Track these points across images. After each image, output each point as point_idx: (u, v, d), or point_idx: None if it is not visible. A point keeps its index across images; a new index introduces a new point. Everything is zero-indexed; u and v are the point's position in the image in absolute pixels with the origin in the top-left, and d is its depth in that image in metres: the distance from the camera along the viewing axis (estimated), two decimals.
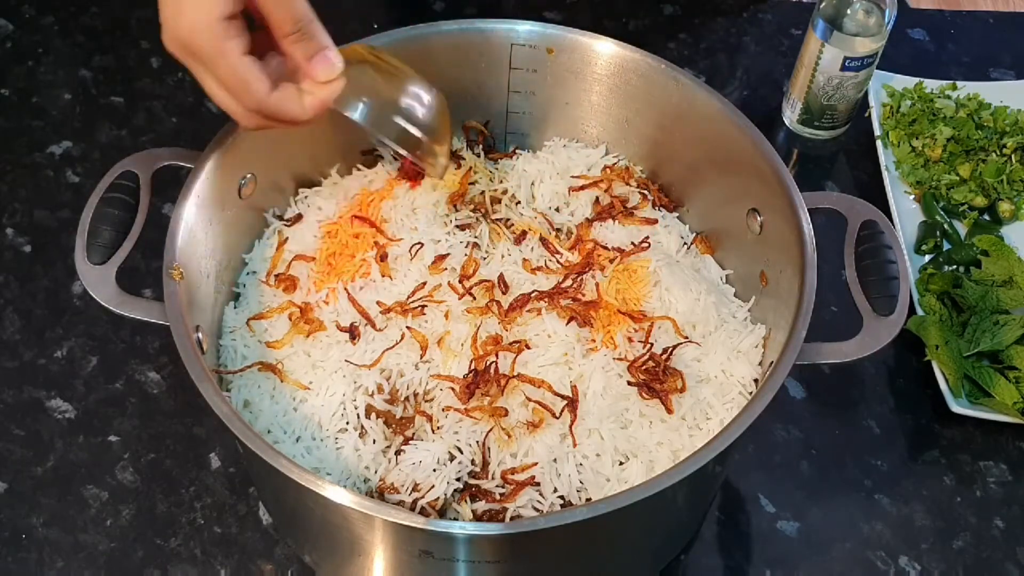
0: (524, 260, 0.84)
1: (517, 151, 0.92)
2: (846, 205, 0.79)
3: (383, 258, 0.83)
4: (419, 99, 0.77)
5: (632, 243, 0.85)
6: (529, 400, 0.75)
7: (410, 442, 0.75)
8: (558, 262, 0.84)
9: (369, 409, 0.77)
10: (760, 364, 0.79)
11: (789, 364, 0.69)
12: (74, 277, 0.97)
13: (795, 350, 0.70)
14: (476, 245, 0.85)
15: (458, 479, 0.73)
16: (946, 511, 0.88)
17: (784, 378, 0.68)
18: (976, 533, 0.87)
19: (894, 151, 1.07)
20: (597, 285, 0.82)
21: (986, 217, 1.04)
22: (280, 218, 0.88)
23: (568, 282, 0.82)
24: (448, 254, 0.83)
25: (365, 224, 0.85)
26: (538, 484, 0.73)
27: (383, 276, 0.82)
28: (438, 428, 0.75)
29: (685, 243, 0.87)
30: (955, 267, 0.99)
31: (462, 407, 0.76)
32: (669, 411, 0.76)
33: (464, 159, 0.89)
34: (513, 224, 0.86)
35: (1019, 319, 0.91)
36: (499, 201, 0.87)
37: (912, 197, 1.05)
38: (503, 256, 0.84)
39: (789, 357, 0.69)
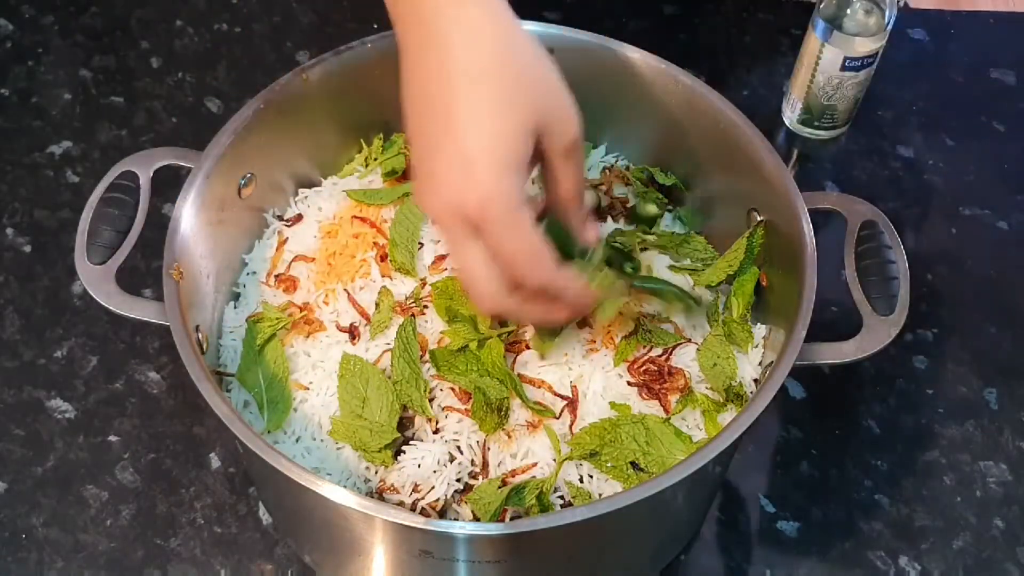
0: None
1: None
2: (846, 205, 0.79)
3: (383, 258, 0.83)
4: None
5: None
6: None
7: (410, 442, 0.75)
8: None
9: None
10: (760, 364, 0.79)
11: (789, 364, 0.69)
12: (74, 277, 0.97)
13: (795, 350, 0.69)
14: None
15: (458, 479, 0.73)
16: (946, 511, 0.88)
17: (784, 378, 0.68)
18: (976, 533, 0.87)
19: None
20: None
21: None
22: (280, 218, 0.88)
23: None
24: (448, 254, 0.83)
25: (365, 224, 0.85)
26: None
27: (383, 276, 0.82)
28: (438, 428, 0.75)
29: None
30: None
31: (462, 407, 0.76)
32: (668, 411, 0.76)
33: None
34: None
35: None
36: None
37: None
38: None
39: (789, 357, 0.69)
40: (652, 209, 0.87)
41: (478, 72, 0.60)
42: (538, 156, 0.65)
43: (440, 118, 0.60)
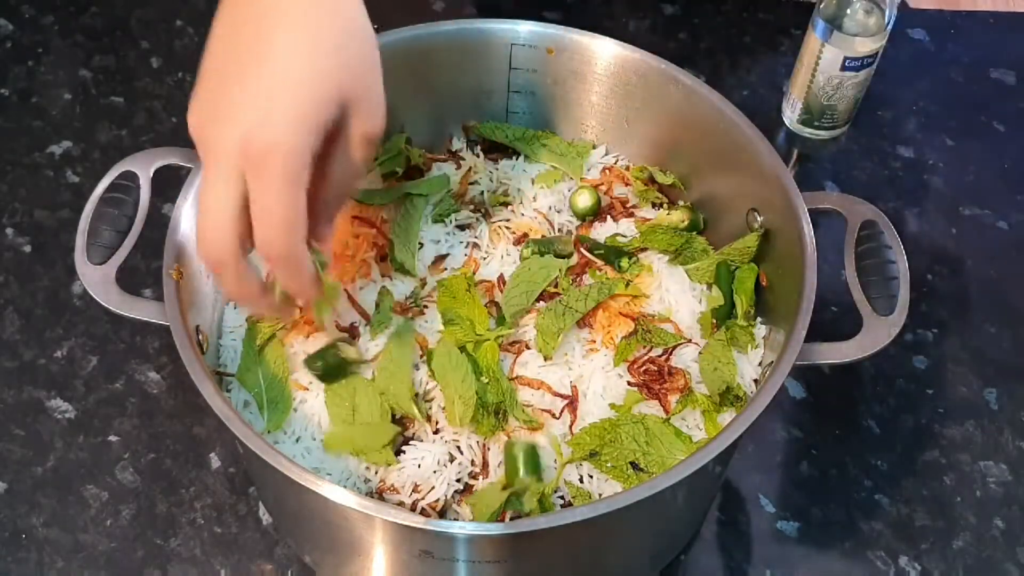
0: None
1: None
2: (846, 205, 0.79)
3: (383, 258, 0.83)
4: None
5: None
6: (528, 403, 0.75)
7: (410, 443, 0.75)
8: None
9: None
10: (760, 364, 0.79)
11: (789, 364, 0.69)
12: (74, 277, 0.97)
13: (795, 350, 0.69)
14: (476, 245, 0.85)
15: (458, 480, 0.73)
16: (946, 511, 0.88)
17: (784, 378, 0.68)
18: (976, 533, 0.87)
19: None
20: None
21: None
22: None
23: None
24: (448, 254, 0.83)
25: (365, 224, 0.85)
26: None
27: (383, 276, 0.82)
28: (438, 429, 0.75)
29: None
30: None
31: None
32: (667, 411, 0.76)
33: (464, 159, 0.90)
34: (511, 224, 0.86)
35: None
36: (507, 205, 0.87)
37: None
38: (503, 256, 0.84)
39: (789, 357, 0.69)
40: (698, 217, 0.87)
41: (302, 27, 0.58)
42: (328, 141, 0.61)
43: (252, 51, 0.58)
